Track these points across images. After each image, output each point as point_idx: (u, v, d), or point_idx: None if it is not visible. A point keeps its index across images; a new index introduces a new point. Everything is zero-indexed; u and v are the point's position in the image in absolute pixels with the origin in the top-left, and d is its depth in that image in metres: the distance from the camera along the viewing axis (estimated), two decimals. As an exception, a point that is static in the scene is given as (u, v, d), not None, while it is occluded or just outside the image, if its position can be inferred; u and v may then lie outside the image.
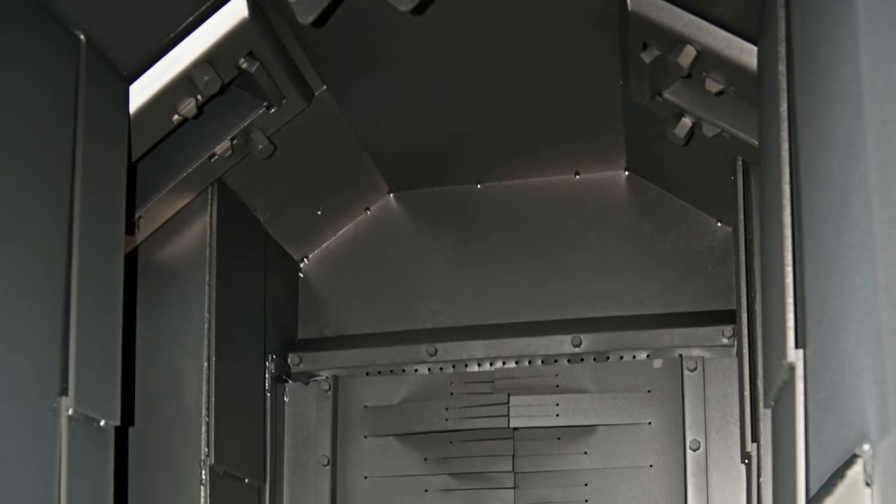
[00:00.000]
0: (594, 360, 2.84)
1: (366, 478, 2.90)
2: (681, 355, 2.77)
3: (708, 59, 2.12)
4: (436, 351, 2.90)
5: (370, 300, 3.09)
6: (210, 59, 2.17)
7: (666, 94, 2.34)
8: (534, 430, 2.84)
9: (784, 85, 1.74)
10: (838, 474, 1.11)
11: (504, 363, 2.91)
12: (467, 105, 2.72)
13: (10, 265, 1.66)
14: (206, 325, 2.48)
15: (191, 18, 2.10)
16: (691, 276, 2.89)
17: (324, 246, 3.16)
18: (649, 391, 2.78)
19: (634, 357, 2.83)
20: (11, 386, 1.65)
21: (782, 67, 1.74)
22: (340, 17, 2.19)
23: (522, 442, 2.85)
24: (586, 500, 2.77)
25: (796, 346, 1.66)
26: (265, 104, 2.42)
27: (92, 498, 1.83)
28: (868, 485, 1.08)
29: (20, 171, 1.70)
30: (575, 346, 2.83)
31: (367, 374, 2.97)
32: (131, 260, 2.42)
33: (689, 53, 2.10)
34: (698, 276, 2.88)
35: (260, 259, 2.86)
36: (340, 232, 3.16)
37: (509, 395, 2.83)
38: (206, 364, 2.45)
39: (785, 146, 1.73)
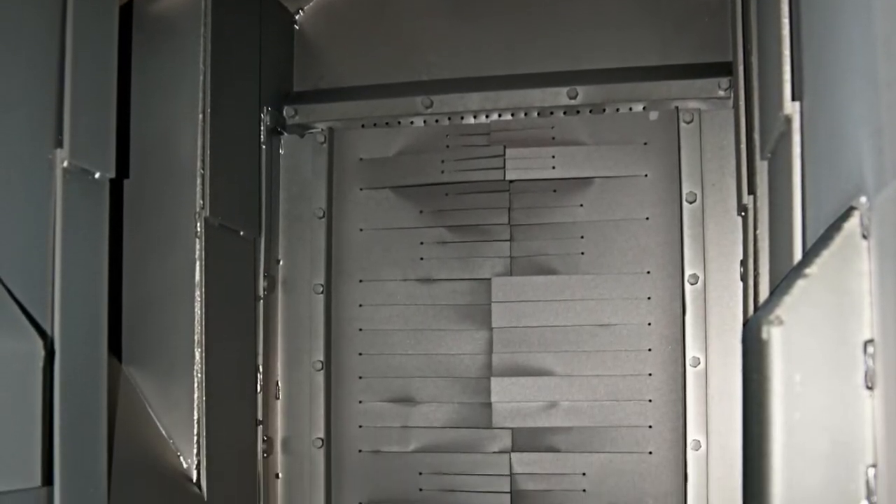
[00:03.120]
0: (590, 112, 2.83)
1: (361, 230, 2.92)
2: (677, 107, 2.76)
3: None
4: (431, 103, 2.89)
5: (366, 52, 3.06)
6: None
7: None
8: (530, 183, 2.84)
9: None
10: (835, 227, 1.11)
11: (500, 115, 2.90)
12: None
13: (3, 17, 1.64)
14: (200, 78, 2.46)
15: None
16: (687, 28, 2.85)
17: (319, -3, 3.12)
18: (645, 143, 2.77)
19: (631, 109, 2.82)
20: (5, 138, 1.64)
21: None
22: None
23: (518, 194, 2.85)
24: (582, 253, 2.79)
25: (793, 99, 1.66)
26: None
27: (87, 250, 1.84)
28: (865, 237, 1.08)
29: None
30: (571, 98, 2.81)
31: (363, 126, 2.96)
32: (126, 11, 2.38)
33: None
34: (694, 28, 2.85)
35: (255, 11, 2.82)
36: (335, -17, 3.11)
37: (505, 147, 2.83)
38: (201, 116, 2.44)
39: None
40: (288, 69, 3.06)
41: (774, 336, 1.12)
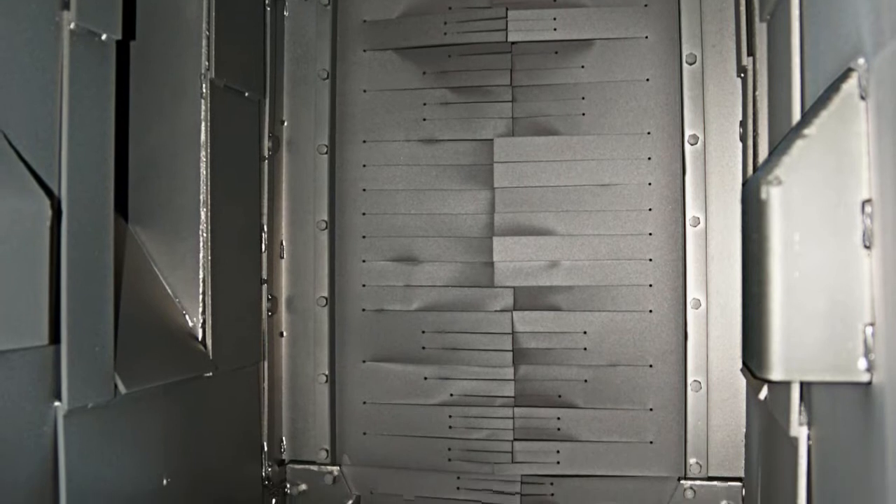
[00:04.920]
0: (592, -27, 2.83)
1: (364, 91, 2.93)
2: (678, -32, 2.75)
3: None
4: (434, -36, 2.88)
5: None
6: None
7: None
8: (531, 45, 2.84)
9: None
10: (833, 88, 1.13)
11: (502, -23, 2.89)
12: None
13: None
14: (204, -62, 2.45)
15: None
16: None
17: None
18: (646, 5, 2.76)
19: (632, -30, 2.81)
20: (12, 1, 1.65)
21: None
22: None
23: (520, 56, 2.86)
24: (583, 113, 2.80)
25: (793, -40, 1.66)
26: None
27: (93, 112, 1.85)
28: (863, 98, 1.10)
29: None
30: (573, -41, 2.81)
31: (365, -13, 2.96)
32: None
33: None
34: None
35: None
36: None
37: (507, 9, 2.82)
38: (205, -23, 2.43)
39: None
40: (291, -70, 3.04)
41: (773, 196, 1.14)
